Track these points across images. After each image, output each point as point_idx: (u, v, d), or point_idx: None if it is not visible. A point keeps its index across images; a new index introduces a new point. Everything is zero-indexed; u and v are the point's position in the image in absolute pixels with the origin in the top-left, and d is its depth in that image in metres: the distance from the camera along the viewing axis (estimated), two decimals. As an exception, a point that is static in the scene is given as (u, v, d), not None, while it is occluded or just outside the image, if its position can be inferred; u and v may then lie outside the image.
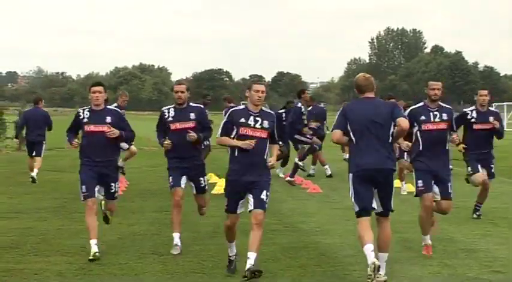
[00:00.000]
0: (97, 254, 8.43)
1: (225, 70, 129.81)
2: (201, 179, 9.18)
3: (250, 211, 7.65)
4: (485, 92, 11.37)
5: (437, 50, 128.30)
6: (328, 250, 9.16)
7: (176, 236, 8.97)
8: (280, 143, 8.14)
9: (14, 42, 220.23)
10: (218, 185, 15.24)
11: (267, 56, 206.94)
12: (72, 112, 8.95)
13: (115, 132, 8.75)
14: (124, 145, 13.26)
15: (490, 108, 11.53)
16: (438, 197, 8.94)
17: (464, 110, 11.55)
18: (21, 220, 11.34)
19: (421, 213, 9.00)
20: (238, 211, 7.84)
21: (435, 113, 9.02)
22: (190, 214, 10.46)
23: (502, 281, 7.80)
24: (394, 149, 7.75)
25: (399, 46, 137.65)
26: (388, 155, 7.53)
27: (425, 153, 8.93)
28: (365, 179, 7.48)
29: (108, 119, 8.84)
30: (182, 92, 9.03)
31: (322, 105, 21.84)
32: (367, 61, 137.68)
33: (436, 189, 8.91)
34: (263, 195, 7.63)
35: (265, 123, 7.73)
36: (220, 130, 7.85)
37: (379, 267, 7.17)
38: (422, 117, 8.98)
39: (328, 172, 17.88)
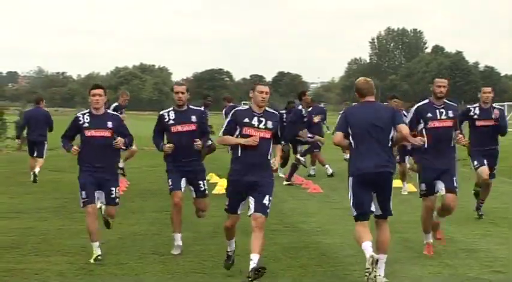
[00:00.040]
0: (99, 257, 8.42)
1: (225, 70, 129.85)
2: (201, 182, 9.05)
3: (250, 215, 7.55)
4: (489, 89, 11.28)
5: (437, 50, 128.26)
6: (328, 250, 9.17)
7: (178, 237, 8.96)
8: (282, 142, 8.07)
9: (14, 42, 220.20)
10: (219, 185, 15.24)
11: (267, 56, 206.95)
12: (73, 112, 8.80)
13: (121, 143, 8.69)
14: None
15: (494, 105, 11.39)
16: (443, 191, 8.80)
17: (468, 106, 11.47)
18: (22, 220, 11.35)
19: (422, 213, 9.09)
20: (239, 211, 7.79)
21: (441, 110, 8.94)
22: (190, 215, 10.45)
23: (503, 281, 7.81)
24: (393, 153, 7.76)
25: (400, 46, 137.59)
26: (388, 159, 7.57)
27: (431, 150, 8.85)
28: (364, 182, 7.51)
29: (110, 124, 8.68)
30: (182, 92, 8.94)
31: (322, 105, 21.93)
32: (368, 61, 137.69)
33: (441, 184, 8.81)
34: (265, 200, 7.53)
35: (269, 124, 7.66)
36: (223, 129, 7.80)
37: (377, 260, 7.18)
38: (429, 115, 8.89)
39: (330, 171, 17.85)
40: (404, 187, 15.12)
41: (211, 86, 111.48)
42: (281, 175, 17.55)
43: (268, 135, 7.64)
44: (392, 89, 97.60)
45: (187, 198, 9.28)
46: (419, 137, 8.80)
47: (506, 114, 11.67)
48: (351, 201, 7.60)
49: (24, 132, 17.87)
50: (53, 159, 18.53)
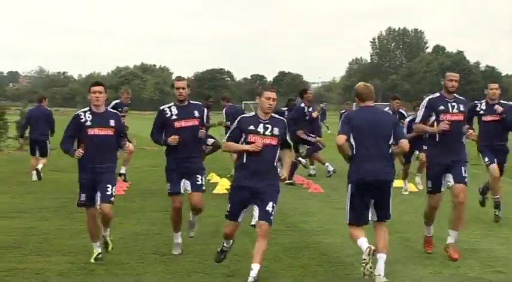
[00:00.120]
0: (100, 255, 8.42)
1: (226, 70, 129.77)
2: (198, 176, 8.81)
3: (252, 225, 7.45)
4: (496, 85, 11.23)
5: (438, 49, 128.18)
6: (329, 250, 9.17)
7: (178, 235, 8.93)
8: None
9: (14, 42, 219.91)
10: (220, 184, 15.27)
11: (267, 56, 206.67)
12: (74, 112, 8.67)
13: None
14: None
15: (502, 101, 11.26)
16: (452, 182, 8.70)
17: (475, 102, 11.36)
18: (23, 220, 11.36)
19: (426, 208, 9.09)
20: (240, 220, 7.64)
21: (453, 103, 8.88)
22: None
23: (504, 281, 7.81)
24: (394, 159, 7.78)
25: (401, 46, 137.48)
26: (388, 165, 7.61)
27: (441, 144, 8.77)
28: (364, 190, 7.56)
29: (112, 123, 8.54)
30: (183, 88, 8.81)
31: (322, 105, 21.92)
32: (369, 61, 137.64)
33: (449, 177, 8.72)
34: (269, 207, 7.39)
35: (275, 131, 7.52)
36: (227, 136, 7.71)
37: (374, 251, 7.24)
38: (442, 107, 8.82)
39: (331, 168, 17.80)
40: (406, 186, 15.15)
41: (212, 86, 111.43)
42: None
43: (274, 142, 7.50)
44: (393, 89, 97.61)
45: (187, 198, 9.27)
46: (444, 125, 8.65)
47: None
48: (348, 208, 7.66)
49: (27, 131, 17.89)
50: (53, 159, 18.52)
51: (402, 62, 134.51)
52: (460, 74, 9.42)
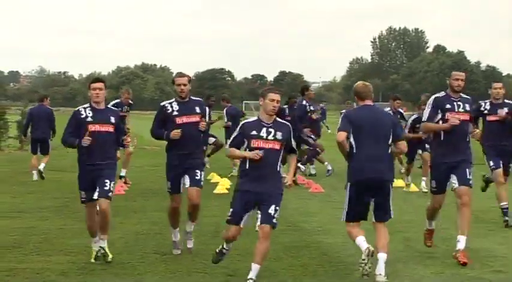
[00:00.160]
0: (99, 253, 8.40)
1: (227, 70, 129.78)
2: (198, 171, 8.70)
3: (256, 230, 7.35)
4: (500, 84, 11.13)
5: (439, 49, 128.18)
6: (330, 249, 9.18)
7: (176, 231, 8.90)
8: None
9: (14, 42, 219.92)
10: (220, 184, 15.27)
11: (267, 56, 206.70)
12: None
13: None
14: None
15: (506, 101, 11.14)
16: (456, 185, 8.63)
17: (479, 102, 11.23)
18: (23, 219, 11.36)
19: (429, 206, 9.05)
20: (242, 225, 7.51)
21: (459, 103, 8.80)
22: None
23: (503, 280, 7.81)
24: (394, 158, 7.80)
25: (401, 45, 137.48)
26: (388, 164, 7.62)
27: (445, 144, 8.69)
28: (363, 190, 7.58)
29: (113, 119, 8.49)
30: (184, 84, 8.71)
31: (322, 104, 21.97)
32: (369, 60, 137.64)
33: (454, 179, 8.63)
34: (271, 210, 7.30)
35: (279, 135, 7.41)
36: (230, 142, 7.62)
37: (373, 252, 7.27)
38: (448, 106, 8.74)
39: (329, 167, 17.83)
40: (408, 179, 15.42)
41: (213, 86, 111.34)
42: (283, 175, 17.53)
43: (277, 146, 7.40)
44: (394, 89, 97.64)
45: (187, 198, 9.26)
46: (456, 120, 8.58)
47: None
48: (345, 207, 7.69)
49: (28, 130, 17.92)
50: (54, 159, 18.54)
51: (403, 62, 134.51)
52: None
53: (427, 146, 14.32)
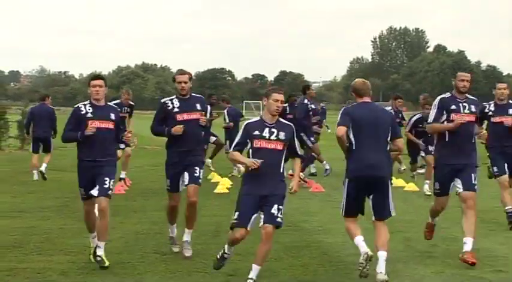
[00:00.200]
0: (98, 251, 8.35)
1: (227, 69, 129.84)
2: (197, 168, 8.63)
3: (260, 227, 7.28)
4: (504, 85, 10.88)
5: (439, 49, 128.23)
6: (330, 249, 9.18)
7: (173, 227, 8.88)
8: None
9: (14, 42, 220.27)
10: (221, 184, 15.27)
11: (267, 56, 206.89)
12: None
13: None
14: (121, 145, 13.32)
15: (511, 101, 10.96)
16: (461, 189, 8.52)
17: (483, 104, 10.92)
18: (24, 219, 11.36)
19: (432, 207, 9.03)
20: (249, 227, 7.37)
21: (464, 104, 8.69)
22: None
23: (504, 280, 7.81)
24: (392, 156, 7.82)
25: (402, 45, 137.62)
26: (385, 161, 7.64)
27: (450, 145, 8.60)
28: (361, 186, 7.61)
29: (113, 116, 8.41)
30: (185, 82, 8.65)
31: (322, 104, 21.99)
32: (370, 60, 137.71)
33: (458, 183, 8.54)
34: (274, 210, 7.23)
35: (281, 135, 7.36)
36: (234, 145, 7.54)
37: (371, 257, 7.32)
38: (453, 107, 8.64)
39: (327, 166, 17.84)
40: (417, 171, 15.77)
41: (213, 85, 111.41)
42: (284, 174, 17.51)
43: (280, 146, 7.35)
44: (394, 88, 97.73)
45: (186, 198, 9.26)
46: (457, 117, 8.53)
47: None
48: (343, 201, 7.75)
49: (30, 129, 17.93)
50: (54, 158, 18.52)
51: (403, 62, 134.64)
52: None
53: (430, 148, 14.10)
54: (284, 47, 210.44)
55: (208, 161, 17.43)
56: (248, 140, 7.39)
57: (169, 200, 8.89)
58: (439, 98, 8.87)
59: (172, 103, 8.69)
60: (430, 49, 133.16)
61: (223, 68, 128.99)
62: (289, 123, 7.62)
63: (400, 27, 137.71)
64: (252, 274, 7.28)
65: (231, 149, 7.61)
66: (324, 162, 17.97)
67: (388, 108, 15.72)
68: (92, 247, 8.45)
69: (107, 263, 8.10)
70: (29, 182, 16.42)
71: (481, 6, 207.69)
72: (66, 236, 9.94)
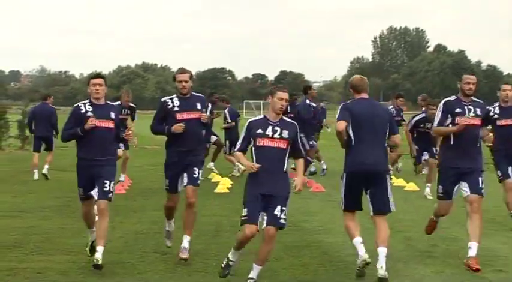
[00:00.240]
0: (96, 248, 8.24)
1: (228, 69, 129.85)
2: (195, 169, 8.56)
3: (263, 228, 7.25)
4: (509, 86, 10.65)
5: (440, 48, 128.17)
6: (330, 249, 9.18)
7: (171, 222, 8.86)
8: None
9: (14, 42, 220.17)
10: (221, 184, 15.27)
11: (267, 56, 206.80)
12: None
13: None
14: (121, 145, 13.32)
15: None
16: (467, 193, 8.38)
17: (487, 107, 10.36)
18: (24, 219, 11.36)
19: (435, 210, 9.00)
20: (259, 221, 7.31)
21: (469, 107, 8.56)
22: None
23: (504, 280, 7.81)
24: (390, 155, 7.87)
25: (402, 45, 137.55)
26: (383, 156, 7.73)
27: (455, 149, 8.48)
28: (358, 180, 7.68)
29: (113, 115, 8.32)
30: (186, 81, 8.56)
31: (322, 104, 22.00)
32: (370, 60, 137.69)
33: (465, 186, 8.40)
34: (277, 211, 7.20)
35: (285, 133, 7.33)
36: (238, 146, 7.52)
37: (369, 263, 7.48)
38: (458, 110, 8.51)
39: (324, 166, 17.85)
40: (425, 169, 15.53)
41: (214, 85, 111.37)
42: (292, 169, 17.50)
43: (283, 145, 7.32)
44: (395, 88, 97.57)
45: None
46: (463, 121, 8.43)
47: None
48: (342, 196, 7.85)
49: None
50: (54, 158, 18.49)
51: (404, 61, 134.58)
52: (462, 73, 9.23)
53: (434, 150, 13.90)
54: (284, 47, 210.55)
55: (211, 164, 17.46)
56: (251, 139, 7.38)
57: (167, 200, 8.84)
58: (444, 101, 8.75)
59: (172, 102, 8.61)
60: (431, 49, 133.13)
61: (223, 68, 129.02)
62: (292, 121, 7.60)
63: (401, 27, 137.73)
64: (253, 274, 7.28)
65: (235, 149, 7.59)
66: (322, 161, 17.99)
67: (390, 107, 15.72)
68: (90, 240, 8.44)
69: (100, 262, 7.88)
70: (29, 181, 16.43)
71: (481, 6, 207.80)
72: (67, 235, 9.94)
